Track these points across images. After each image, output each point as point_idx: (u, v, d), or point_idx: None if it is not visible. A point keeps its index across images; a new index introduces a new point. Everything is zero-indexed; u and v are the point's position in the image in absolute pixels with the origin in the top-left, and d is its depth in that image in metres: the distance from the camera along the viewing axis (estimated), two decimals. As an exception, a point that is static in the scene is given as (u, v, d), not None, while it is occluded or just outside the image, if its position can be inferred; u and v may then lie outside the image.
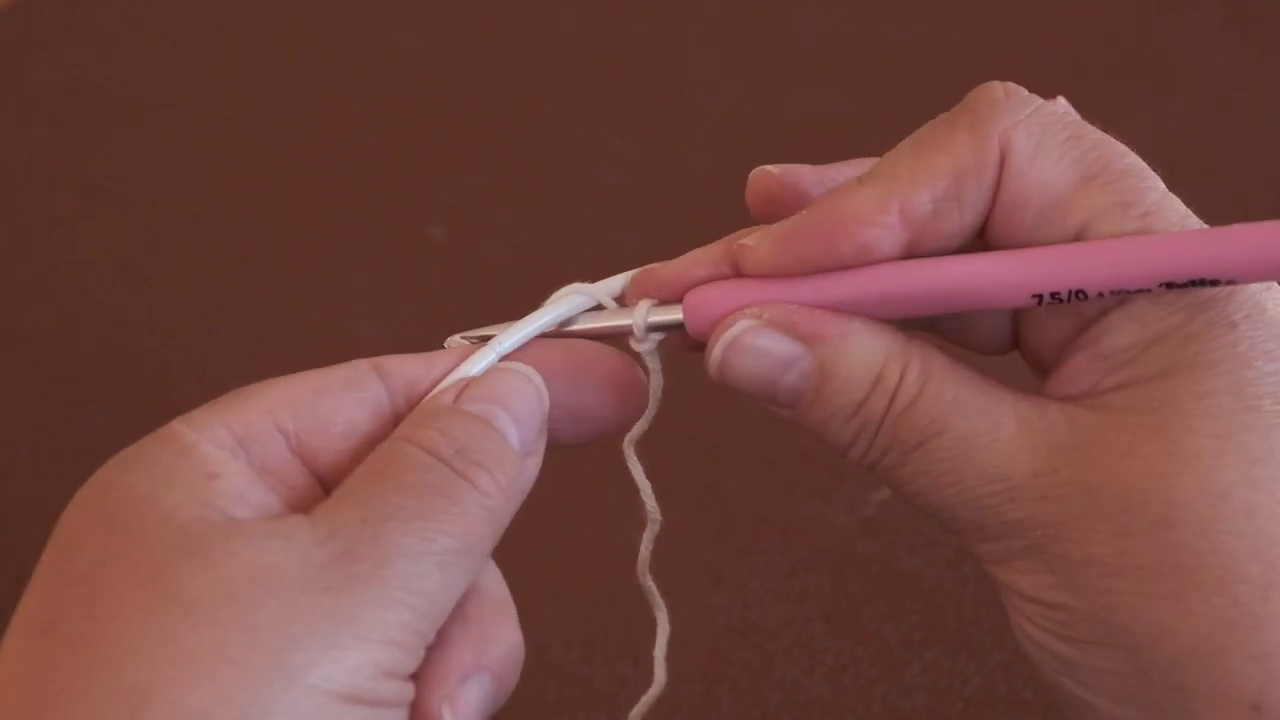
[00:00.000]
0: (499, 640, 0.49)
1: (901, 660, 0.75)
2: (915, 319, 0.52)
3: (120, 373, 0.90)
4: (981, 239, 0.51)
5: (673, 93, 1.04)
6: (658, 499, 0.54)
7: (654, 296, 0.53)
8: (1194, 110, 1.01)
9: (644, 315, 0.53)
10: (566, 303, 0.53)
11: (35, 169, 1.03)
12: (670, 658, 0.54)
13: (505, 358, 0.52)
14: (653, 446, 0.55)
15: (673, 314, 0.53)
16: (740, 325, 0.51)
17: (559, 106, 1.04)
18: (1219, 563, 0.47)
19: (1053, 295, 0.49)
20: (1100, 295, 0.49)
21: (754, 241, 0.51)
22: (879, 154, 0.51)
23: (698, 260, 0.52)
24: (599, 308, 0.54)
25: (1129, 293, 0.49)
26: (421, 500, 0.47)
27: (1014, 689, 0.73)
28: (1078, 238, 0.50)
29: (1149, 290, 0.49)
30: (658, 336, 0.53)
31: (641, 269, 0.54)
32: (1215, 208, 0.52)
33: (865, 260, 0.50)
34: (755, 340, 0.51)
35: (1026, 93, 0.51)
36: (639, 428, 0.53)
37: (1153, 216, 0.49)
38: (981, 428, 0.50)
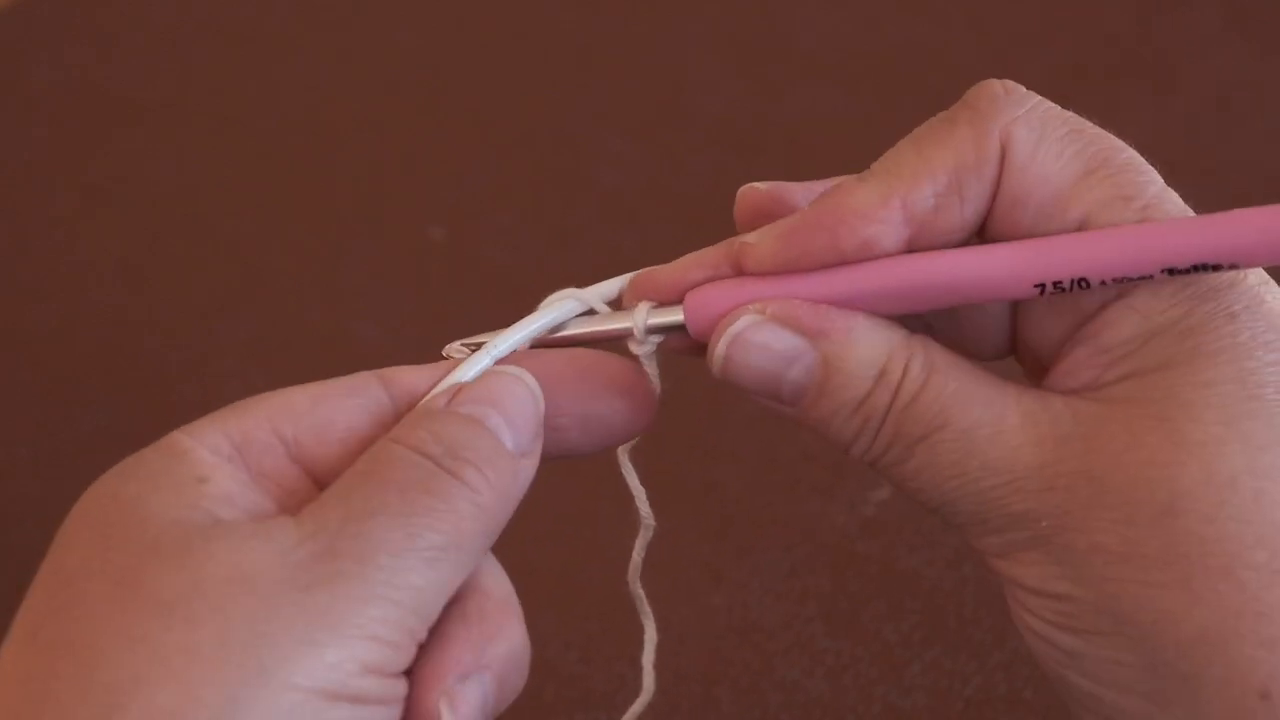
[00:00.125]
0: (501, 639, 0.49)
1: (901, 660, 0.75)
2: (915, 316, 0.52)
3: (120, 373, 0.90)
4: (982, 235, 0.51)
5: (673, 93, 1.04)
6: (656, 500, 0.54)
7: (652, 299, 0.53)
8: (1194, 110, 1.01)
9: (644, 317, 0.53)
10: (559, 308, 0.53)
11: (35, 169, 1.03)
12: (670, 658, 0.54)
13: (507, 364, 0.52)
14: (652, 447, 0.55)
15: (672, 315, 0.52)
16: (744, 320, 0.51)
17: (559, 106, 1.04)
18: (1225, 549, 0.48)
19: (1055, 285, 0.49)
20: (1103, 284, 0.49)
21: (756, 239, 0.51)
22: (879, 154, 0.51)
23: (696, 262, 0.52)
24: (591, 312, 0.54)
25: (1131, 280, 0.49)
26: (406, 497, 0.47)
27: (1014, 689, 0.73)
28: (1079, 230, 0.50)
29: (1151, 277, 0.49)
30: (657, 339, 0.53)
31: (639, 272, 0.53)
32: (1215, 207, 0.52)
33: (867, 256, 0.50)
34: (759, 335, 0.51)
35: (1025, 89, 0.51)
36: None
37: (1153, 209, 0.50)
38: (985, 420, 0.50)
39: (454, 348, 0.53)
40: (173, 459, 0.48)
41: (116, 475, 0.48)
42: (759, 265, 0.51)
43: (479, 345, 0.52)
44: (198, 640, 0.44)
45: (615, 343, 0.53)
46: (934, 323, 0.53)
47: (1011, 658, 0.74)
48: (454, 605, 0.48)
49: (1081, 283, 0.49)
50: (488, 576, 0.49)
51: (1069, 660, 0.50)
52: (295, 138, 1.04)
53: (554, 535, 0.78)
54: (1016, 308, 0.52)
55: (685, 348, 0.53)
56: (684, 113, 1.03)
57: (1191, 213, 0.50)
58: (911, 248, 0.50)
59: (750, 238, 0.51)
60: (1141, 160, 0.50)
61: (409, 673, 0.47)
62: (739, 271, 0.52)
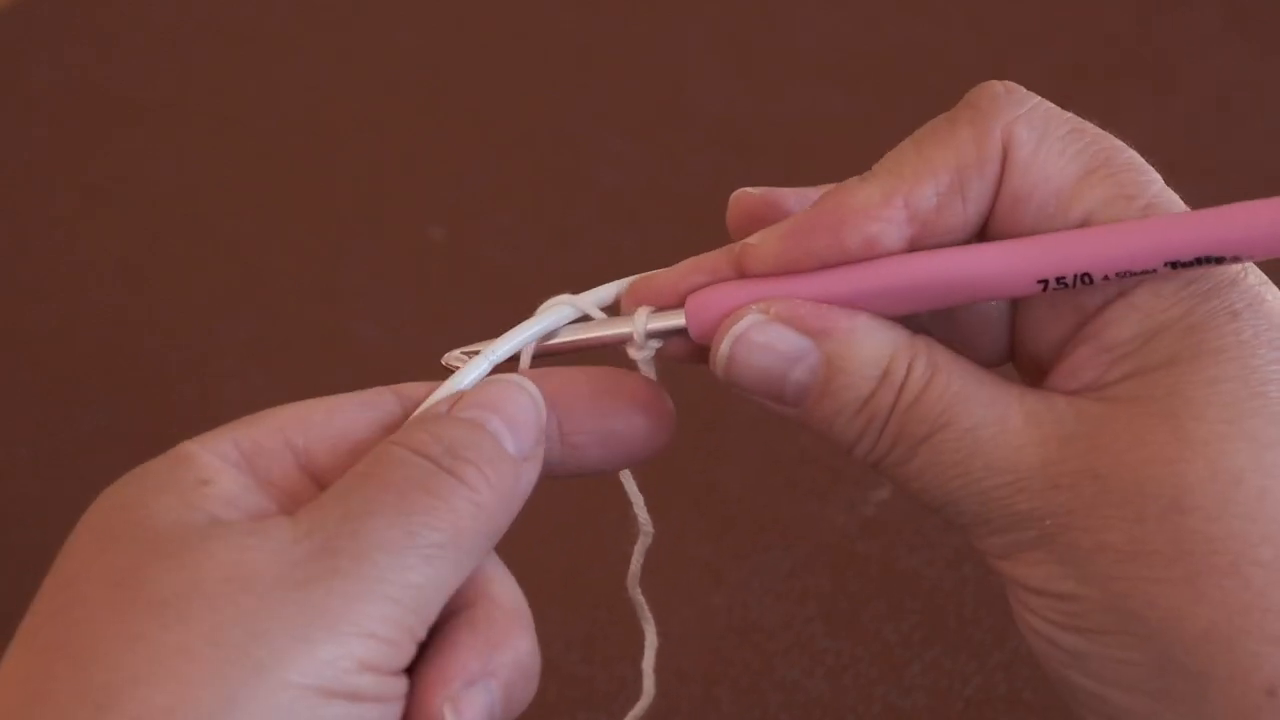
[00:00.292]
0: (508, 647, 0.48)
1: (901, 660, 0.75)
2: (917, 316, 0.52)
3: (120, 373, 0.90)
4: (984, 235, 0.51)
5: (673, 93, 1.04)
6: (656, 501, 0.54)
7: (651, 304, 0.53)
8: (1194, 110, 1.01)
9: (643, 322, 0.52)
10: (554, 313, 0.53)
11: (35, 169, 1.03)
12: (670, 658, 0.54)
13: (519, 377, 0.52)
14: (652, 448, 0.55)
15: (672, 319, 0.52)
16: (747, 320, 0.51)
17: (559, 106, 1.04)
18: (1231, 547, 0.48)
19: (1058, 280, 0.49)
20: (1106, 278, 0.49)
21: (758, 240, 0.51)
22: (879, 154, 0.51)
23: (695, 267, 0.52)
24: (586, 318, 0.53)
25: (1134, 275, 0.49)
26: (404, 496, 0.47)
27: (1014, 689, 0.73)
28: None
29: (1154, 271, 0.49)
30: (656, 344, 0.53)
31: (636, 277, 0.53)
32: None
33: (870, 255, 0.50)
34: (762, 335, 0.51)
35: (1025, 90, 0.51)
36: None
37: (1155, 208, 0.50)
38: (989, 419, 0.50)
39: (453, 356, 0.53)
40: (178, 465, 0.48)
41: (122, 483, 0.49)
42: (762, 265, 0.51)
43: (477, 354, 0.53)
44: (193, 639, 0.44)
45: (613, 349, 0.53)
46: (932, 329, 0.53)
47: (1011, 658, 0.74)
48: (463, 613, 0.49)
49: (1085, 278, 0.49)
50: (497, 585, 0.49)
51: (1074, 661, 0.50)
52: (295, 138, 1.04)
53: (556, 536, 0.78)
54: (1015, 311, 0.52)
55: (685, 353, 0.53)
56: (684, 113, 1.03)
57: None
58: (914, 247, 0.50)
59: (753, 239, 0.51)
60: (1142, 160, 0.51)
61: (410, 672, 0.47)
62: (740, 274, 0.52)
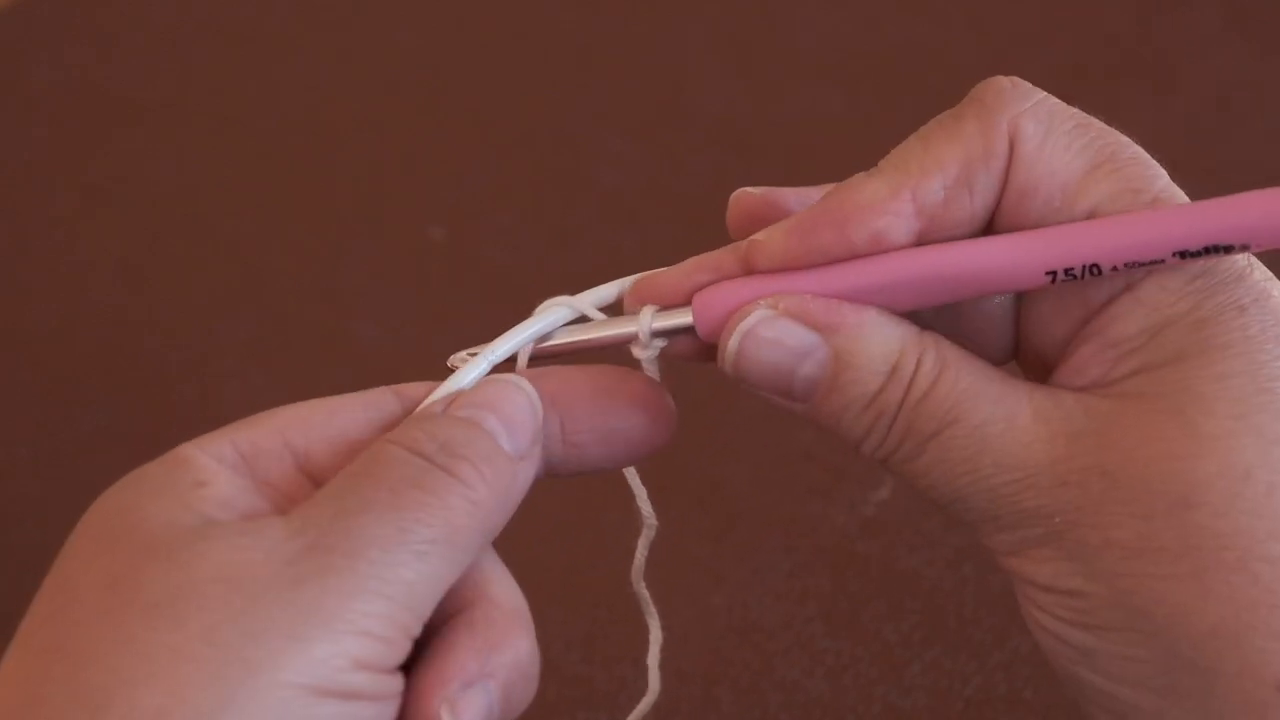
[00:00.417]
0: (507, 648, 0.48)
1: (901, 660, 0.75)
2: (921, 315, 0.52)
3: (120, 373, 0.90)
4: (990, 229, 0.51)
5: (673, 93, 1.04)
6: (658, 500, 0.54)
7: (655, 302, 0.53)
8: (1194, 110, 1.01)
9: (649, 321, 0.52)
10: (553, 314, 0.53)
11: (35, 169, 1.03)
12: (670, 658, 0.54)
13: (516, 376, 0.52)
14: (653, 447, 0.55)
15: (677, 318, 0.52)
16: (756, 315, 0.51)
17: (559, 106, 1.04)
18: (1239, 543, 0.48)
19: (1067, 272, 0.49)
20: (1114, 269, 0.49)
21: (765, 236, 0.51)
22: (879, 154, 0.51)
23: (699, 266, 0.52)
24: (583, 319, 0.53)
25: (1143, 265, 0.49)
26: (398, 493, 0.47)
27: (1014, 689, 0.73)
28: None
29: (1163, 261, 0.49)
30: (661, 343, 0.53)
31: (637, 276, 0.53)
32: (1215, 208, 0.52)
33: (877, 249, 0.50)
34: (771, 330, 0.51)
35: (1030, 85, 0.51)
36: None
37: (1161, 203, 0.50)
38: (997, 416, 0.50)
39: (459, 357, 0.53)
40: (175, 467, 0.48)
41: (119, 486, 0.49)
42: (769, 261, 0.51)
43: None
44: (186, 640, 0.44)
45: (617, 348, 0.53)
46: (935, 328, 0.52)
47: (1011, 658, 0.74)
48: (462, 614, 0.49)
49: (1093, 269, 0.49)
50: (497, 585, 0.49)
51: (1082, 657, 0.50)
52: (295, 138, 1.04)
53: (556, 536, 0.78)
54: (1020, 309, 0.52)
55: (691, 352, 0.53)
56: (684, 113, 1.03)
57: None
58: (921, 242, 0.50)
59: (759, 235, 0.51)
60: (1147, 155, 0.51)
61: (408, 672, 0.47)
62: (747, 271, 0.52)
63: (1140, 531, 0.48)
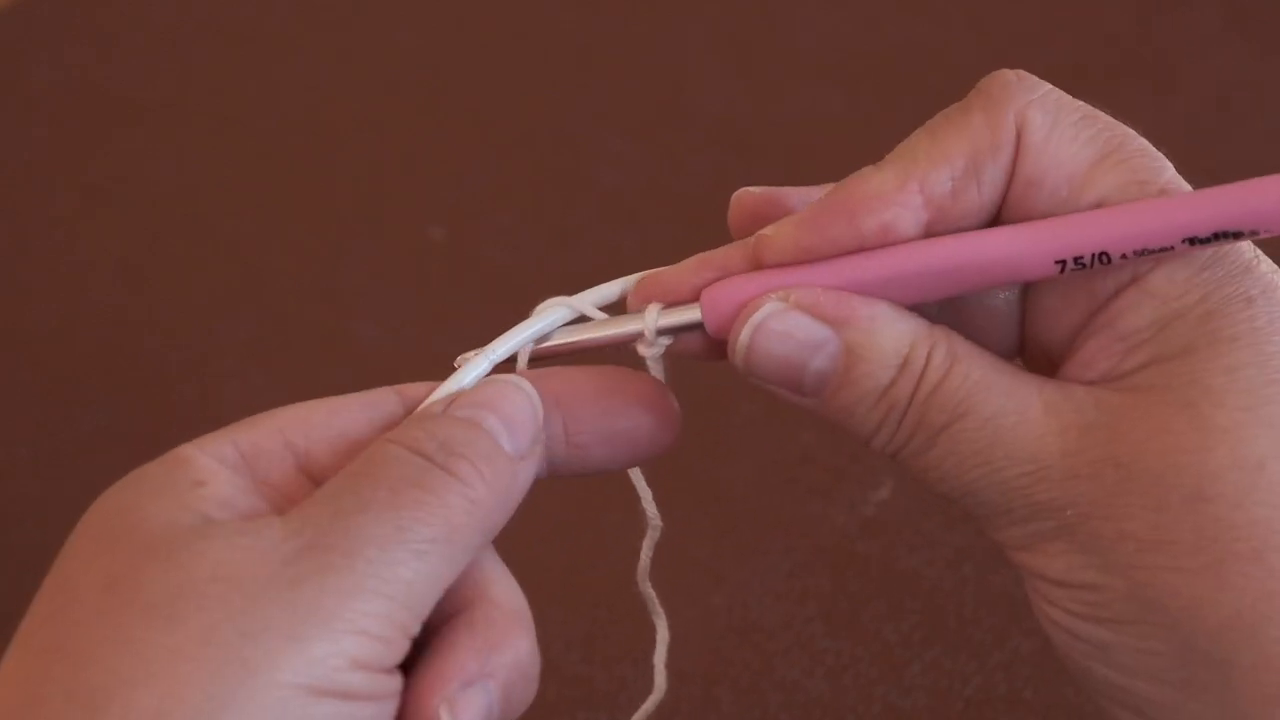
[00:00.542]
0: (507, 649, 0.48)
1: (901, 660, 0.75)
2: (927, 311, 0.52)
3: (120, 373, 0.90)
4: (997, 221, 0.51)
5: (673, 93, 1.04)
6: (658, 500, 0.54)
7: (661, 300, 0.52)
8: (1194, 110, 1.01)
9: (654, 318, 0.52)
10: (553, 313, 0.53)
11: (35, 169, 1.03)
12: (671, 658, 0.54)
13: (517, 377, 0.52)
14: (653, 447, 0.55)
15: (684, 315, 0.52)
16: (767, 308, 0.51)
17: (559, 106, 1.04)
18: (1254, 534, 0.48)
19: (1076, 261, 0.49)
20: (1124, 257, 0.49)
21: (773, 230, 0.51)
22: (879, 154, 0.51)
23: (704, 263, 0.52)
24: (582, 319, 0.53)
25: (1152, 253, 0.49)
26: (396, 492, 0.47)
27: (1014, 689, 0.73)
28: None
29: (1172, 249, 0.49)
30: (666, 341, 0.52)
31: (642, 274, 0.53)
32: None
33: (886, 241, 0.50)
34: (782, 324, 0.50)
35: (1036, 78, 0.51)
36: None
37: (1168, 195, 0.50)
38: (1009, 409, 0.50)
39: (466, 358, 0.52)
40: (174, 468, 0.48)
41: (118, 487, 0.49)
42: (778, 255, 0.51)
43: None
44: (184, 640, 0.44)
45: (620, 350, 0.53)
46: (941, 323, 0.53)
47: (1011, 658, 0.74)
48: (462, 614, 0.49)
49: (1103, 257, 0.49)
50: (497, 586, 0.49)
51: (1096, 652, 0.50)
52: (295, 138, 1.04)
53: (556, 536, 0.78)
54: (1025, 304, 0.52)
55: (697, 349, 0.53)
56: (684, 113, 1.03)
57: None
58: (929, 233, 0.50)
59: (767, 230, 0.51)
60: (1153, 148, 0.51)
61: (407, 672, 0.47)
62: (756, 265, 0.51)
63: (1154, 524, 0.48)
